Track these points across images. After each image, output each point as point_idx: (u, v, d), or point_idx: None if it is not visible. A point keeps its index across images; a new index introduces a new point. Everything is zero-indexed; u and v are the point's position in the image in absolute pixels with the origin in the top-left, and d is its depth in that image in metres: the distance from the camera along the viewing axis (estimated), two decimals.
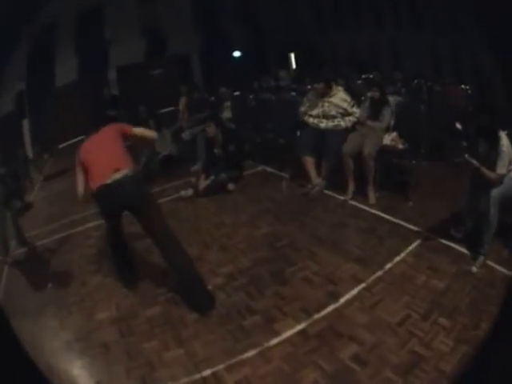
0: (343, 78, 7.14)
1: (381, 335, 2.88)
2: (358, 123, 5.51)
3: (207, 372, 2.73)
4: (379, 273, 3.59)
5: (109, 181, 3.34)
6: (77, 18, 14.99)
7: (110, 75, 13.24)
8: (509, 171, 3.84)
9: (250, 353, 2.82)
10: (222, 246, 4.38)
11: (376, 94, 5.27)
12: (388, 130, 5.32)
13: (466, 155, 3.90)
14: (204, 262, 3.76)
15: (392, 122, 5.34)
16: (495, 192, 3.77)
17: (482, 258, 3.72)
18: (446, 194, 4.71)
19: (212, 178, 5.85)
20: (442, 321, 2.98)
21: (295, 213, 4.98)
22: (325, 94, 5.56)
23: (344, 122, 5.51)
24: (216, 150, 5.96)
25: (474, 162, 3.81)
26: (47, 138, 11.85)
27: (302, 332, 2.98)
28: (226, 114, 7.55)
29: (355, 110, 5.51)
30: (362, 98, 5.74)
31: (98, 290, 4.12)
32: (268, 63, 18.07)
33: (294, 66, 18.55)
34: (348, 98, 5.54)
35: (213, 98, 8.36)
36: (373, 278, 3.53)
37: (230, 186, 5.90)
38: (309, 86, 6.44)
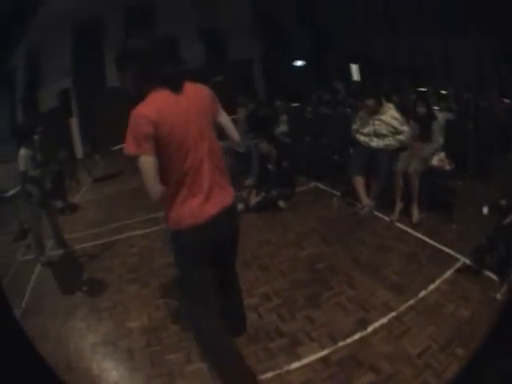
0: (398, 92, 7.10)
1: (399, 366, 2.86)
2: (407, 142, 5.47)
3: None
4: (411, 301, 3.56)
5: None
6: (127, 16, 15.51)
7: None
8: None
9: (269, 374, 2.90)
10: (263, 266, 4.48)
11: (422, 109, 5.21)
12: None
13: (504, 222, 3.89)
14: (241, 280, 3.93)
15: (441, 141, 5.22)
16: None
17: (505, 286, 3.57)
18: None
19: (263, 194, 5.99)
20: (459, 351, 2.93)
21: (341, 233, 5.01)
22: (375, 111, 5.53)
23: (395, 141, 5.47)
24: (269, 166, 6.08)
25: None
26: (99, 138, 12.09)
27: (324, 358, 3.02)
28: (282, 128, 7.70)
29: (405, 128, 5.44)
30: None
31: (132, 298, 4.33)
32: (330, 74, 17.75)
33: (355, 77, 18.37)
34: (398, 116, 5.48)
35: (269, 111, 8.38)
36: (404, 306, 3.49)
37: (281, 204, 5.99)
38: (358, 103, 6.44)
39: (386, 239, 4.76)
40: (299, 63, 17.10)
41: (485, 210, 4.47)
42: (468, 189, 5.08)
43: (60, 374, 3.05)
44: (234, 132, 2.70)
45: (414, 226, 4.90)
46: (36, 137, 5.66)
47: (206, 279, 2.56)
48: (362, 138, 5.68)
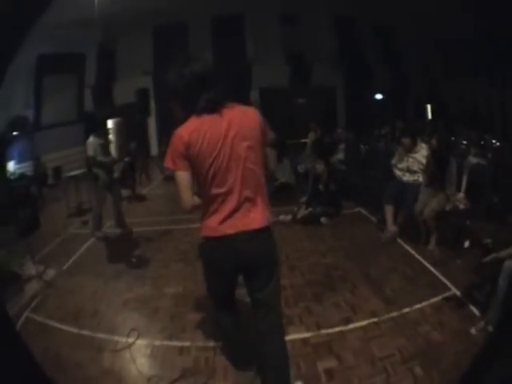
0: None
1: (360, 362, 3.27)
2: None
3: None
4: (394, 314, 3.98)
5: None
6: (214, 23, 16.09)
7: (252, 95, 13.47)
8: None
9: None
10: (290, 266, 5.12)
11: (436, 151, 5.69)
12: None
13: (485, 259, 4.15)
14: None
15: (464, 183, 5.60)
16: (508, 264, 3.68)
17: (482, 323, 3.67)
18: None
19: (310, 209, 6.67)
20: (417, 370, 3.14)
21: (362, 252, 5.56)
22: (411, 149, 6.00)
23: (423, 178, 5.88)
24: (320, 186, 6.78)
25: (492, 256, 3.99)
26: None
27: (304, 339, 3.60)
28: (339, 156, 8.26)
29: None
30: None
31: (176, 273, 5.10)
32: (406, 111, 17.92)
33: (429, 116, 18.03)
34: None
35: (333, 139, 8.92)
36: (387, 316, 3.92)
37: (323, 220, 6.67)
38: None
39: (396, 262, 5.23)
40: (379, 97, 17.32)
41: (466, 243, 4.93)
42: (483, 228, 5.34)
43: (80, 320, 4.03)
44: (270, 162, 2.83)
45: (426, 255, 5.32)
46: (111, 126, 6.45)
47: (223, 291, 2.77)
48: (397, 172, 6.19)
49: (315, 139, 8.78)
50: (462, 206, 5.25)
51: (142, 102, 13.39)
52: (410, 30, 17.22)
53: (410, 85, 17.60)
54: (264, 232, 2.53)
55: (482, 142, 9.43)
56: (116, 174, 6.45)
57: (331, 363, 3.29)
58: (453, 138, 10.10)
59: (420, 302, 4.17)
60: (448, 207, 5.36)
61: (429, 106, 18.54)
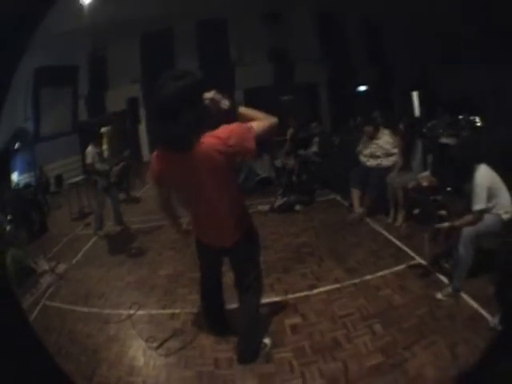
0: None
1: (322, 319, 3.79)
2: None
3: None
4: (356, 280, 4.48)
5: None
6: (199, 28, 15.93)
7: (237, 96, 12.94)
8: (490, 207, 3.97)
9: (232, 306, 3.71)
10: (265, 246, 5.51)
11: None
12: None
13: (436, 225, 4.25)
14: None
15: (430, 162, 6.05)
16: (466, 231, 3.92)
17: (449, 289, 3.98)
18: None
19: (285, 199, 7.34)
20: (377, 327, 3.56)
21: (331, 231, 6.17)
22: (373, 136, 6.55)
23: (386, 162, 6.43)
24: (293, 178, 7.48)
25: (445, 225, 4.13)
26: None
27: (274, 302, 4.17)
28: (314, 148, 8.76)
29: (396, 150, 6.40)
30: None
31: (168, 259, 5.81)
32: (392, 100, 17.94)
33: (416, 104, 18.41)
34: (391, 141, 6.44)
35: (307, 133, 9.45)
36: (349, 282, 4.45)
37: (297, 207, 7.33)
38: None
39: (362, 238, 5.82)
40: (362, 88, 17.54)
41: (416, 211, 5.44)
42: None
43: (89, 301, 4.71)
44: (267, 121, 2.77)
45: (392, 231, 5.83)
46: (104, 134, 7.05)
47: (209, 270, 3.41)
48: (362, 159, 6.76)
49: (291, 135, 9.31)
50: (425, 184, 5.47)
51: (132, 110, 13.98)
52: (397, 22, 17.69)
53: (397, 74, 17.74)
54: (236, 245, 2.96)
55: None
56: (112, 179, 7.02)
57: (296, 320, 3.85)
58: (434, 122, 10.76)
59: (382, 271, 4.65)
60: (411, 185, 5.75)
61: (415, 94, 18.93)
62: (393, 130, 6.69)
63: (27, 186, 10.94)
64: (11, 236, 6.22)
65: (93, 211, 7.46)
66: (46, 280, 5.61)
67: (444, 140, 6.71)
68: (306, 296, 4.36)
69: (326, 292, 4.38)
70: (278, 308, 4.11)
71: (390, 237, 5.70)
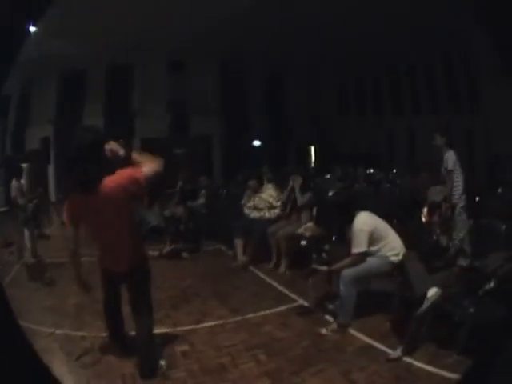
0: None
1: (208, 348, 4.08)
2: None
3: None
4: (238, 318, 4.79)
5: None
6: (107, 75, 16.44)
7: (135, 143, 13.64)
8: (373, 251, 4.26)
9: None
10: (155, 286, 5.68)
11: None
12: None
13: (313, 265, 4.60)
14: None
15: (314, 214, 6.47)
16: (346, 272, 4.17)
17: (334, 325, 4.25)
18: None
19: (172, 246, 7.60)
20: (262, 356, 3.84)
21: (215, 276, 6.47)
22: (257, 190, 6.98)
23: (268, 214, 6.86)
24: (181, 226, 7.74)
25: (323, 268, 4.46)
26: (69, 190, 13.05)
27: (165, 333, 4.39)
28: (201, 200, 9.14)
29: (279, 204, 6.84)
30: None
31: (74, 291, 5.48)
32: (288, 154, 19.18)
33: (313, 158, 19.56)
34: (274, 194, 6.90)
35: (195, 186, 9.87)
36: (231, 319, 4.75)
37: (184, 254, 7.64)
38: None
39: (245, 282, 6.17)
40: (257, 143, 18.25)
41: (303, 242, 5.53)
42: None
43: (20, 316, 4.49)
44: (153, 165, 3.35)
45: (275, 277, 6.23)
46: (24, 171, 7.31)
47: (109, 298, 3.80)
48: (245, 211, 7.16)
49: (180, 187, 9.66)
50: (308, 234, 5.54)
51: (45, 150, 14.07)
52: (297, 73, 18.86)
53: (293, 129, 18.62)
54: (132, 271, 3.46)
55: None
56: (28, 214, 7.32)
57: (185, 347, 4.13)
58: (328, 176, 11.74)
59: (264, 311, 4.99)
60: (295, 233, 5.99)
61: (312, 148, 19.98)
62: (280, 184, 7.17)
63: None
64: None
65: (14, 241, 7.66)
66: None
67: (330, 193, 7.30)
68: (193, 329, 4.61)
69: (210, 327, 4.66)
70: (170, 338, 4.35)
71: (272, 282, 6.09)
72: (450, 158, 6.03)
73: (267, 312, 4.98)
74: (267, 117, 18.59)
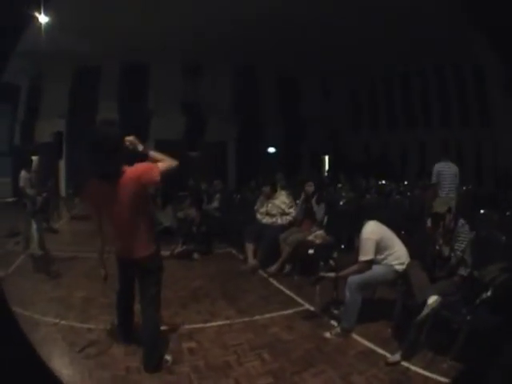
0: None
1: (214, 346, 4.17)
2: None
3: None
4: (246, 319, 4.89)
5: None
6: (121, 73, 16.44)
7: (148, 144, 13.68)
8: (380, 259, 4.35)
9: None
10: (165, 285, 5.77)
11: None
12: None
13: (321, 273, 4.63)
14: None
15: (325, 221, 6.49)
16: (351, 279, 4.25)
17: (338, 329, 4.32)
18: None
19: (184, 247, 7.73)
20: (266, 356, 3.94)
21: (226, 278, 6.57)
22: (270, 196, 7.09)
23: (281, 220, 6.98)
24: (193, 228, 7.86)
25: (331, 274, 4.53)
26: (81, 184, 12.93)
27: (172, 328, 4.52)
28: (215, 204, 9.29)
29: (292, 210, 6.97)
30: None
31: (82, 285, 6.04)
32: (302, 163, 19.18)
33: (326, 167, 19.48)
34: (287, 201, 7.02)
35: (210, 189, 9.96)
36: (239, 320, 4.85)
37: (195, 256, 7.74)
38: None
39: (254, 286, 6.27)
40: (272, 150, 18.27)
41: (311, 251, 5.64)
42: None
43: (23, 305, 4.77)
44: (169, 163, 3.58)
45: (283, 282, 6.29)
46: (34, 162, 7.36)
47: (123, 286, 3.94)
48: (258, 216, 7.27)
49: (191, 192, 9.80)
50: (318, 241, 5.88)
51: (57, 144, 13.94)
52: (312, 81, 18.83)
53: (307, 137, 18.54)
54: (146, 259, 3.64)
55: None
56: (37, 206, 7.30)
57: (192, 345, 4.23)
58: (339, 185, 11.81)
59: (270, 313, 5.07)
60: (306, 239, 6.18)
61: (326, 157, 19.91)
62: (293, 192, 7.29)
63: None
64: None
65: (21, 232, 7.79)
66: None
67: (341, 202, 7.47)
68: (201, 328, 4.71)
69: (217, 326, 4.76)
70: (177, 334, 4.46)
71: (280, 286, 6.19)
72: (433, 171, 6.06)
73: (274, 314, 5.06)
74: (282, 121, 18.55)
